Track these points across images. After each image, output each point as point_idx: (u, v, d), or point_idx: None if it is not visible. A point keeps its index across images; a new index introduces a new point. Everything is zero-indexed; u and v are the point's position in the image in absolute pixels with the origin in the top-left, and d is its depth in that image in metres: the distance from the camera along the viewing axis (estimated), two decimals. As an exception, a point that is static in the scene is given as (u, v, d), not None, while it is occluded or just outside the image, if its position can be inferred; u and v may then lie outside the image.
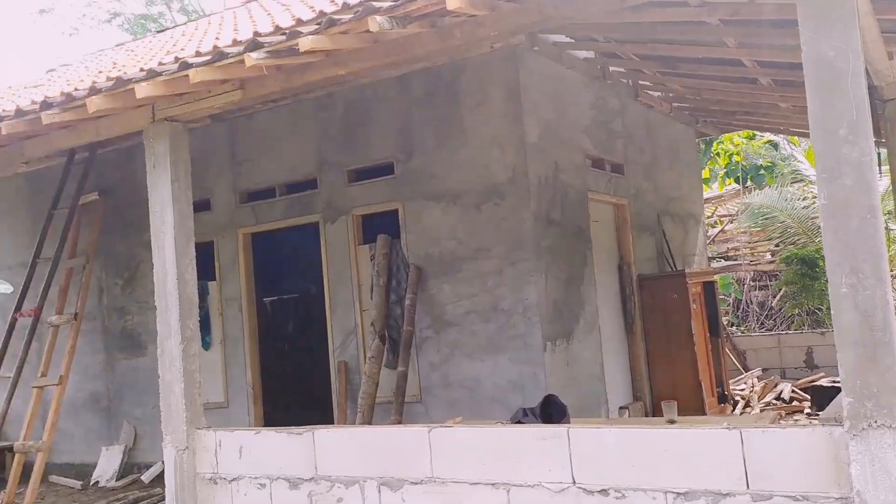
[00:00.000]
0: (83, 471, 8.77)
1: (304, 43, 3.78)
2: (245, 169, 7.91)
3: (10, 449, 8.16)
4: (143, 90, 4.25)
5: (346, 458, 4.37)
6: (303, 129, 7.59)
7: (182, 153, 4.99)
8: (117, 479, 8.27)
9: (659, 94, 9.23)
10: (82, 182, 8.35)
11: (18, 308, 8.28)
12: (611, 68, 8.08)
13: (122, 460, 8.39)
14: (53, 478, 8.82)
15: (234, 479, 4.71)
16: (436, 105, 6.93)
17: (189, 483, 4.81)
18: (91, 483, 8.39)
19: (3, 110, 4.91)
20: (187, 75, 4.07)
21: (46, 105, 4.64)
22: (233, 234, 7.91)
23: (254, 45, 3.97)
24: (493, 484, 3.99)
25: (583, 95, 7.80)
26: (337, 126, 7.42)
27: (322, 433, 4.44)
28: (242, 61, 3.94)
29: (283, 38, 4.00)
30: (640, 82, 8.71)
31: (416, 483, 4.14)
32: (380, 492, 4.24)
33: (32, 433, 8.08)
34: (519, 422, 4.45)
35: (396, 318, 6.97)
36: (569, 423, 4.51)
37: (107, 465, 8.45)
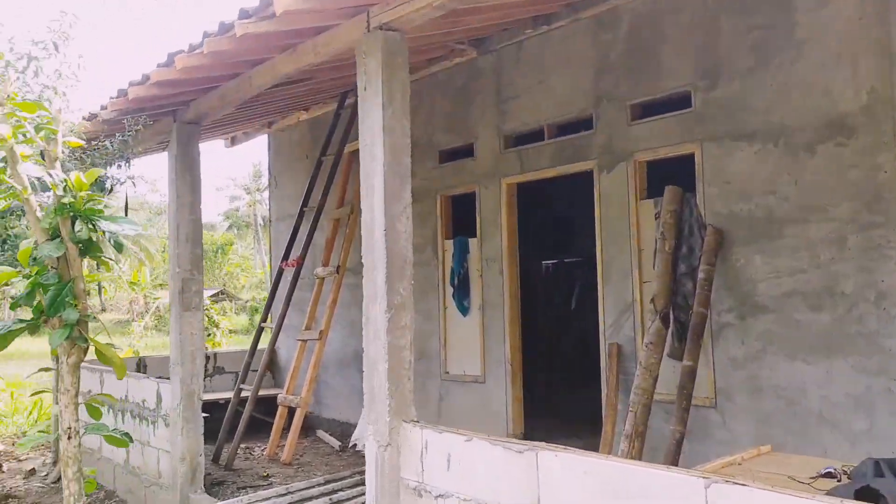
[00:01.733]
0: (347, 430, 8.48)
1: None
2: (511, 108, 6.73)
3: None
4: (329, -24, 3.20)
5: (581, 498, 2.99)
6: (578, 56, 6.16)
7: (398, 71, 3.91)
8: (374, 445, 7.75)
9: None
10: (349, 127, 7.85)
11: (286, 258, 8.10)
12: None
13: (380, 425, 7.85)
14: (320, 433, 8.67)
15: (440, 496, 3.60)
16: (755, 9, 5.05)
17: (391, 488, 3.82)
18: (350, 445, 8.02)
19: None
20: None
21: (243, 14, 3.85)
22: (496, 183, 6.81)
23: None
24: None
25: None
26: (620, 49, 5.87)
27: (548, 457, 3.11)
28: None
29: None
30: None
31: (683, 561, 2.63)
32: (627, 559, 2.81)
33: (296, 386, 7.90)
34: (866, 487, 2.68)
35: (685, 294, 5.32)
36: (963, 500, 2.62)
37: (365, 429, 7.99)
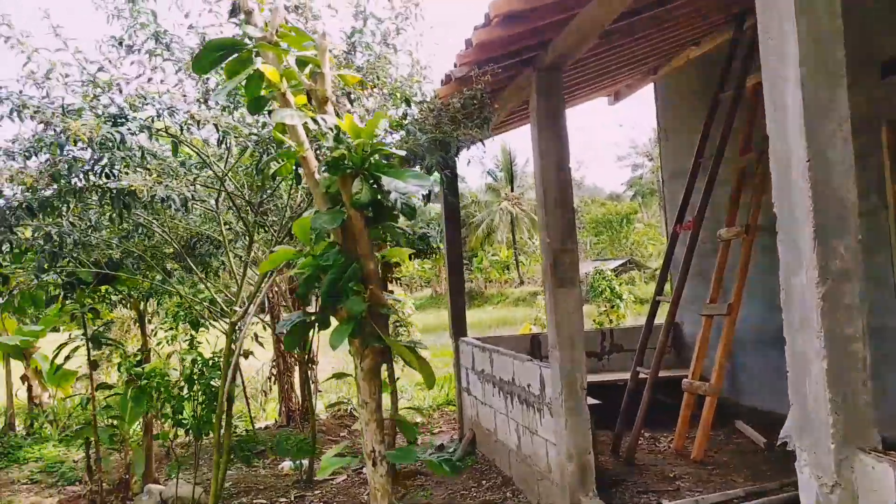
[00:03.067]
0: (772, 421, 6.97)
1: None
2: None
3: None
4: None
5: None
6: None
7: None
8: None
9: None
10: (749, 56, 6.33)
11: (679, 220, 6.89)
12: None
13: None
14: (739, 424, 7.32)
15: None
16: None
17: (844, 551, 2.50)
18: (778, 442, 6.52)
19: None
20: None
21: None
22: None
23: None
24: None
25: None
26: None
27: None
28: None
29: None
30: None
31: None
32: None
33: (703, 368, 6.72)
34: None
35: None
36: None
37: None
